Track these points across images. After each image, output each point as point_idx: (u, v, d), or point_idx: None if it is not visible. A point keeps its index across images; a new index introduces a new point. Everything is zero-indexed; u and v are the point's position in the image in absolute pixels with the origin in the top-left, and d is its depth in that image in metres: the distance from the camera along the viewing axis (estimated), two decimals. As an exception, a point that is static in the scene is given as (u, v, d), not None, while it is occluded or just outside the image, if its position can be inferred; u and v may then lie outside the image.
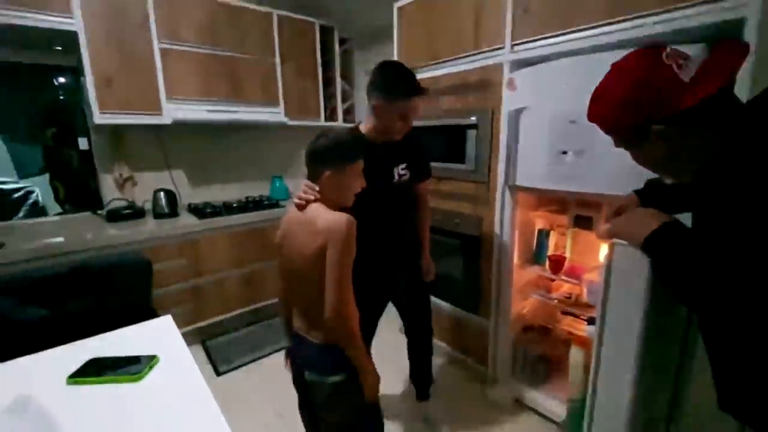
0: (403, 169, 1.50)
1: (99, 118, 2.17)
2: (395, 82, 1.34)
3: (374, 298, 1.61)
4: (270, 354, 2.40)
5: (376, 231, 1.44)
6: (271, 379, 2.15)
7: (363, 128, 1.47)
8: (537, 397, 1.85)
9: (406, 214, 1.62)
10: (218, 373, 2.22)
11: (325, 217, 1.01)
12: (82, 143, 2.44)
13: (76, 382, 0.94)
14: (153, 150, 2.68)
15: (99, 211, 2.47)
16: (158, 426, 0.81)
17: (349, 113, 3.46)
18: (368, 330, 1.69)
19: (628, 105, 0.73)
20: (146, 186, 2.63)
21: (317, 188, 1.07)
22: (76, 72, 2.30)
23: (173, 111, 2.41)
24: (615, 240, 0.89)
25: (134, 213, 2.45)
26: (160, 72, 2.34)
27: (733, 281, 0.60)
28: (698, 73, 0.68)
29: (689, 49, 0.75)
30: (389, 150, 1.46)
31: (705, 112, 0.67)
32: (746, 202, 0.59)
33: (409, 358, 1.84)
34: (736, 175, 0.61)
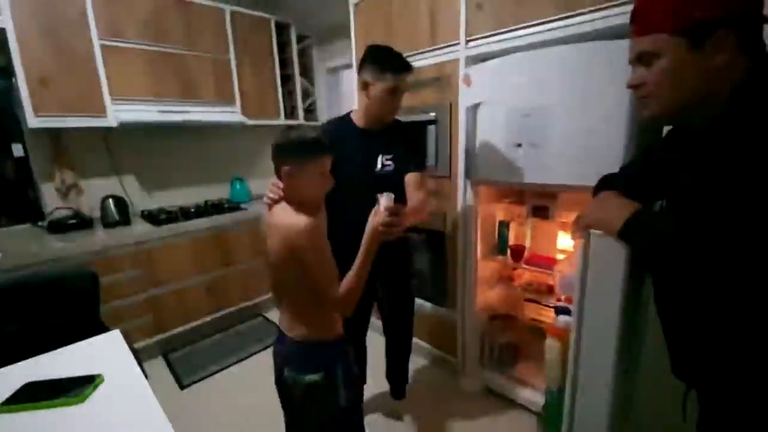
0: (387, 159, 1.46)
1: (34, 122, 2.01)
2: (386, 57, 1.36)
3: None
4: (237, 362, 2.31)
5: (354, 227, 1.38)
6: (241, 388, 2.07)
7: (354, 115, 1.49)
8: (506, 384, 1.89)
9: None
10: (182, 386, 2.12)
11: (287, 223, 0.99)
12: (17, 150, 2.25)
13: (9, 410, 0.86)
14: (100, 154, 2.51)
15: (40, 223, 2.29)
16: (103, 450, 0.75)
17: (310, 111, 3.40)
18: (358, 333, 1.65)
19: None
20: (93, 193, 2.47)
21: (281, 185, 1.04)
22: (8, 72, 2.11)
23: (119, 113, 2.26)
24: (590, 230, 0.89)
25: (80, 223, 2.30)
26: (102, 71, 2.19)
27: (716, 259, 0.61)
28: None
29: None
30: (377, 138, 1.45)
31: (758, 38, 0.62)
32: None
33: (387, 357, 1.83)
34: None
